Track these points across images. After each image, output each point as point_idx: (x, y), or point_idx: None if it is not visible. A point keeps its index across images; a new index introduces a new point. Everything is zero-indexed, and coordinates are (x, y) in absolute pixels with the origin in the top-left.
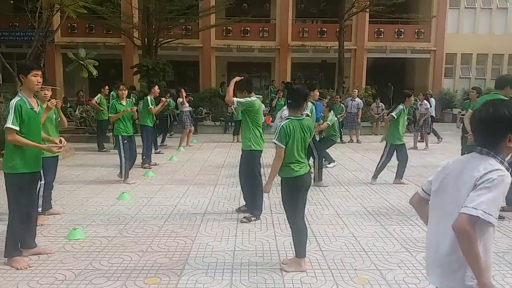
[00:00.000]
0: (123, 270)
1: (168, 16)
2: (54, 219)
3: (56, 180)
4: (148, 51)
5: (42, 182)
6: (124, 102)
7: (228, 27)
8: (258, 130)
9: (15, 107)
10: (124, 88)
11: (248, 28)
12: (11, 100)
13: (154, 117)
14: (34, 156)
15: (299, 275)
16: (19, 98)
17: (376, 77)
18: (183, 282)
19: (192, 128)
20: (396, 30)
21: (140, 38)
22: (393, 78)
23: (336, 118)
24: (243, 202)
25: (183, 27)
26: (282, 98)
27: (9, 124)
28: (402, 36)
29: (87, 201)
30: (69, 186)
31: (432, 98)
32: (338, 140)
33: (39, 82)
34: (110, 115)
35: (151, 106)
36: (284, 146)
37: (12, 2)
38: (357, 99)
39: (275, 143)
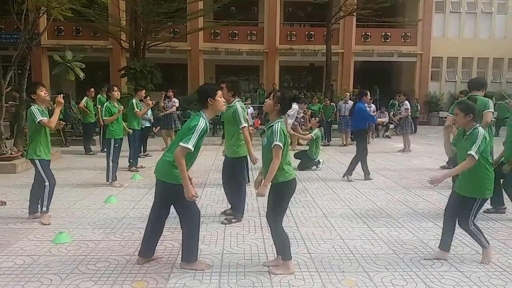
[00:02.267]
0: (110, 274)
1: (156, 19)
2: (40, 222)
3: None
4: (135, 54)
5: (47, 183)
6: (116, 104)
7: (216, 30)
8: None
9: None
10: (118, 90)
11: (236, 31)
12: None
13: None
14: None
15: (287, 277)
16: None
17: (363, 81)
18: (171, 286)
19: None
20: (383, 33)
21: (128, 41)
22: (380, 82)
23: (321, 134)
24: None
25: (171, 30)
26: None
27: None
28: (389, 40)
29: (74, 204)
30: (56, 189)
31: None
32: (316, 159)
33: (46, 93)
34: (105, 118)
35: (136, 109)
36: (283, 147)
37: None
38: (350, 102)
39: (278, 145)
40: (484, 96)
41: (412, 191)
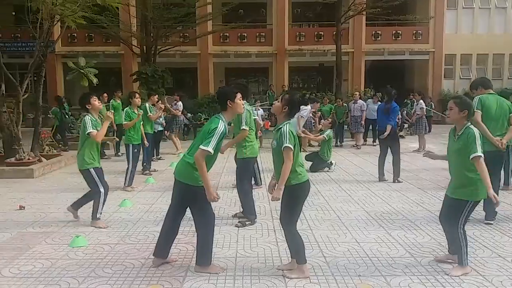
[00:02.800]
0: (126, 277)
1: (166, 24)
2: (58, 226)
3: (57, 187)
4: (147, 59)
5: (102, 190)
6: (136, 110)
7: (225, 33)
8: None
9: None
10: (139, 97)
11: (245, 34)
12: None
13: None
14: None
15: (302, 281)
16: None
17: (375, 80)
18: None
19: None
20: (394, 32)
21: (139, 46)
22: (392, 80)
23: (332, 135)
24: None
25: (181, 34)
26: None
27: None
28: (400, 38)
29: (89, 208)
30: (71, 193)
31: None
32: (328, 161)
33: (99, 102)
34: (124, 122)
35: (149, 114)
36: (293, 149)
37: (14, 14)
38: (360, 101)
39: (289, 147)
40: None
41: (428, 192)
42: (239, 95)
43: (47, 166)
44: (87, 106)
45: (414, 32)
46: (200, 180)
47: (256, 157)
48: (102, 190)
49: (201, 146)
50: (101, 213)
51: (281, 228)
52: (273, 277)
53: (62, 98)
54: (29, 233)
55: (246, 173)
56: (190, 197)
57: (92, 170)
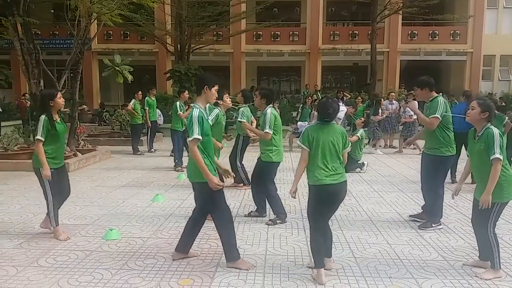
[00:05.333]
0: (158, 271)
1: (200, 23)
2: (92, 219)
3: (94, 182)
4: (180, 57)
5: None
6: (184, 104)
7: (259, 32)
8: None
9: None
10: (187, 94)
11: (278, 33)
12: None
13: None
14: None
15: (332, 281)
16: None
17: (409, 80)
18: (216, 284)
19: None
20: (431, 32)
21: (173, 44)
22: None
23: (365, 135)
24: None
25: (214, 33)
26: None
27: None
28: (437, 38)
29: (123, 202)
30: (106, 188)
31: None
32: (359, 161)
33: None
34: (179, 112)
35: (179, 112)
36: (307, 149)
37: (52, 11)
38: (395, 102)
39: (302, 148)
40: None
41: (461, 194)
42: (216, 87)
43: (82, 160)
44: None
45: (451, 32)
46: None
47: (280, 162)
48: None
49: (188, 140)
50: None
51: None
52: (302, 276)
53: None
54: (64, 225)
55: (269, 176)
56: (201, 194)
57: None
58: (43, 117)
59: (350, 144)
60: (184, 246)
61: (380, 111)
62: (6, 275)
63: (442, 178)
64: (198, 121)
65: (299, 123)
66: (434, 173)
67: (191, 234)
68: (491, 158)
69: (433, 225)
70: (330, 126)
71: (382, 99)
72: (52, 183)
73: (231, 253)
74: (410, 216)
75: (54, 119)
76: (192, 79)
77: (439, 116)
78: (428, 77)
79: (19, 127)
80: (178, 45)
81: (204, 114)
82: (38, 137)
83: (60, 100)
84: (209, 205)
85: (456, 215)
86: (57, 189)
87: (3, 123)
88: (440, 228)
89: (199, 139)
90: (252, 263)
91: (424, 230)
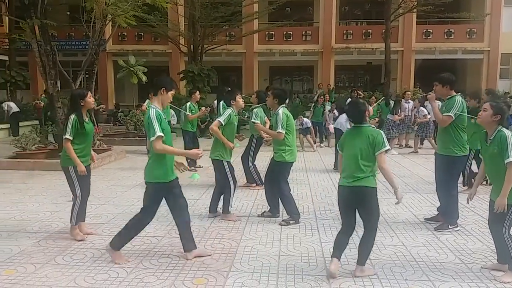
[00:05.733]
0: (172, 270)
1: (213, 23)
2: (107, 218)
3: (109, 181)
4: (193, 58)
5: (231, 184)
6: (195, 104)
7: (271, 32)
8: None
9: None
10: (199, 94)
11: (291, 32)
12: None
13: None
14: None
15: (346, 283)
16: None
17: (424, 79)
18: (230, 284)
19: None
20: (446, 30)
21: (186, 45)
22: None
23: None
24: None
25: (227, 33)
26: (327, 102)
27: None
28: (453, 37)
29: (138, 201)
30: (121, 187)
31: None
32: None
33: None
34: (187, 113)
35: (188, 113)
36: (340, 151)
37: (68, 13)
38: (411, 101)
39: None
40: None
41: (479, 196)
42: (173, 92)
43: (97, 160)
44: (232, 102)
45: (467, 30)
46: (162, 175)
47: (294, 162)
48: (232, 184)
49: (151, 139)
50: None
51: (324, 228)
52: (316, 277)
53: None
54: (81, 224)
55: (283, 176)
56: (155, 193)
57: (224, 163)
58: (72, 116)
59: (384, 146)
60: (188, 242)
61: (399, 110)
62: (25, 272)
63: (456, 179)
64: (157, 119)
65: (304, 118)
66: (447, 173)
67: (185, 229)
68: (506, 162)
69: (449, 226)
70: (357, 129)
71: (402, 99)
72: (80, 180)
73: (189, 241)
74: (425, 219)
75: (83, 118)
76: (205, 80)
77: (452, 115)
78: (450, 74)
79: (37, 127)
80: (191, 46)
81: (162, 113)
82: (67, 136)
83: (90, 99)
84: (170, 199)
85: (473, 217)
86: (84, 187)
87: (21, 123)
88: (457, 230)
89: (162, 136)
90: (266, 263)
91: (441, 232)
